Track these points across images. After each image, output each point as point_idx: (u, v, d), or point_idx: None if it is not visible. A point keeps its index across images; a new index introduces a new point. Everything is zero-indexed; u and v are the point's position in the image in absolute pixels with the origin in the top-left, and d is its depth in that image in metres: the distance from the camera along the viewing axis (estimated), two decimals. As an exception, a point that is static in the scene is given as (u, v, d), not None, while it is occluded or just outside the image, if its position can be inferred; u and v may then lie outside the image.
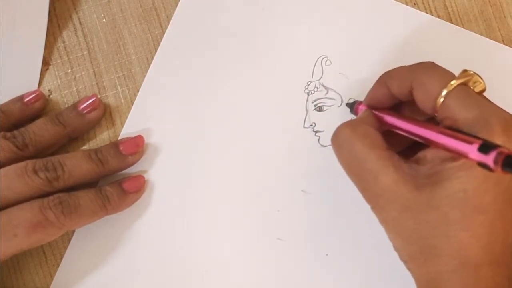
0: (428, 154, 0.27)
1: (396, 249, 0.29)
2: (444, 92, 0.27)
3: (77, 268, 0.35)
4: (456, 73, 0.28)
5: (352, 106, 0.34)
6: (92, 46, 0.37)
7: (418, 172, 0.27)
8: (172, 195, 0.36)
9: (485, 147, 0.23)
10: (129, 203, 0.35)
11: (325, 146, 0.36)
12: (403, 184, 0.27)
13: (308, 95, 0.36)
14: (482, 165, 0.23)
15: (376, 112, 0.31)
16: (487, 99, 0.29)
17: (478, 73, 0.28)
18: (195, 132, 0.36)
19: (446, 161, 0.26)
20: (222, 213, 0.35)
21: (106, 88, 0.37)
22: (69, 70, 0.37)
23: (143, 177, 0.35)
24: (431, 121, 0.29)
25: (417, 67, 0.30)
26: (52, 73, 0.37)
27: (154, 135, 0.36)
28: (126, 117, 0.36)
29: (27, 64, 0.37)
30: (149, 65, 0.37)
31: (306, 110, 0.36)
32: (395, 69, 0.31)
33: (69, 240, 0.35)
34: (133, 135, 0.36)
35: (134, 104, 0.36)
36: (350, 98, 0.36)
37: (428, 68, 0.29)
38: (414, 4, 0.37)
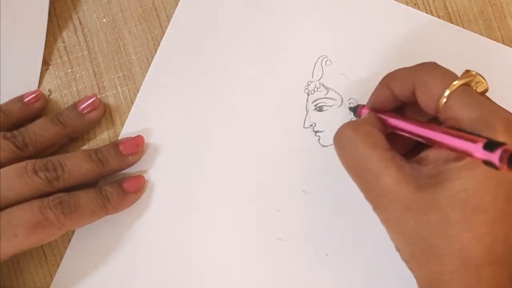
0: (430, 154, 0.27)
1: (398, 249, 0.29)
2: (447, 93, 0.27)
3: (77, 268, 0.35)
4: (457, 74, 0.28)
5: (355, 110, 0.34)
6: (92, 46, 0.37)
7: (420, 173, 0.27)
8: (172, 195, 0.36)
9: (490, 145, 0.23)
10: (129, 203, 0.35)
11: (325, 146, 0.36)
12: (405, 185, 0.27)
13: (308, 95, 0.36)
14: (488, 163, 0.23)
15: (379, 115, 0.31)
16: (489, 99, 0.29)
17: (480, 74, 0.28)
18: (195, 132, 0.36)
19: (449, 161, 0.26)
20: (222, 213, 0.35)
21: (106, 88, 0.37)
22: (69, 70, 0.37)
23: (143, 177, 0.35)
24: (434, 121, 0.29)
25: (419, 68, 0.29)
26: (52, 73, 0.37)
27: (154, 135, 0.36)
28: (126, 117, 0.36)
29: (27, 64, 0.37)
30: (149, 65, 0.37)
31: (306, 110, 0.36)
32: (397, 70, 0.31)
33: (69, 240, 0.35)
34: (133, 135, 0.36)
35: (134, 104, 0.36)
36: (350, 99, 0.36)
37: (430, 68, 0.29)
38: (414, 4, 0.37)
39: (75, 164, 0.33)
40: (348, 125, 0.30)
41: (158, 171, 0.36)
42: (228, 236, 0.35)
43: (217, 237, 0.35)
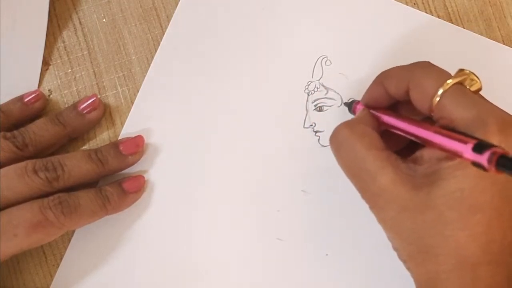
0: (425, 153, 0.28)
1: (395, 248, 0.29)
2: (440, 91, 0.27)
3: (77, 268, 0.35)
4: (455, 71, 0.28)
5: (350, 105, 0.34)
6: (92, 46, 0.37)
7: (415, 172, 0.27)
8: (172, 195, 0.36)
9: (480, 147, 0.23)
10: (129, 203, 0.35)
11: (325, 146, 0.36)
12: (401, 184, 0.27)
13: (308, 95, 0.36)
14: (477, 164, 0.23)
15: (373, 112, 0.31)
16: (483, 98, 0.29)
17: (475, 72, 0.28)
18: (195, 132, 0.36)
19: (443, 160, 0.26)
20: (222, 213, 0.35)
21: (106, 88, 0.37)
22: (69, 70, 0.37)
23: (143, 177, 0.35)
24: (428, 120, 0.29)
25: (414, 67, 0.30)
26: (52, 73, 0.37)
27: (154, 135, 0.36)
28: (126, 117, 0.36)
29: (27, 64, 0.37)
30: (149, 65, 0.37)
31: (306, 110, 0.36)
32: (391, 69, 0.31)
33: (69, 240, 0.35)
34: (133, 135, 0.36)
35: (134, 104, 0.36)
36: (350, 98, 0.36)
37: (424, 67, 0.29)
38: (414, 4, 0.37)
39: (75, 164, 0.33)
40: (343, 125, 0.30)
41: (158, 171, 0.36)
42: (228, 236, 0.35)
43: (217, 237, 0.35)
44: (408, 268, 0.28)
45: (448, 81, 0.27)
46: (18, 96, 0.36)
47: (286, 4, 0.37)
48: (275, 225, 0.35)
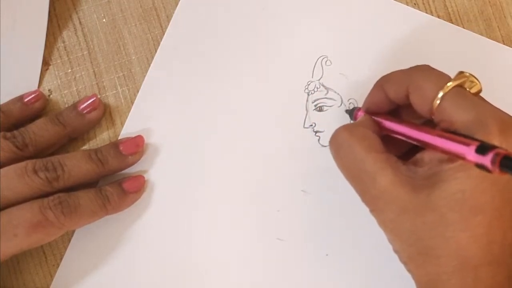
0: (425, 155, 0.28)
1: (395, 251, 0.29)
2: (440, 95, 0.27)
3: (77, 268, 0.35)
4: (455, 73, 0.28)
5: (352, 113, 0.34)
6: (92, 46, 0.37)
7: (416, 174, 0.27)
8: (172, 195, 0.36)
9: (483, 148, 0.23)
10: (129, 203, 0.35)
11: (325, 146, 0.36)
12: (401, 186, 0.27)
13: (308, 95, 0.36)
14: (480, 166, 0.23)
15: (375, 117, 0.31)
16: (483, 99, 0.29)
17: (475, 74, 0.28)
18: (195, 132, 0.36)
19: (444, 162, 0.26)
20: (222, 213, 0.35)
21: (106, 88, 0.37)
22: (69, 70, 0.37)
23: (143, 177, 0.35)
24: (429, 124, 0.29)
25: (413, 70, 0.30)
26: (52, 73, 0.37)
27: (154, 135, 0.36)
28: (126, 117, 0.36)
29: (27, 64, 0.37)
30: (149, 65, 0.37)
31: (306, 110, 0.36)
32: (391, 73, 0.31)
33: (69, 240, 0.35)
34: (133, 135, 0.36)
35: (134, 104, 0.36)
36: (350, 99, 0.36)
37: (424, 71, 0.29)
38: (414, 4, 0.37)
39: (75, 164, 0.33)
40: (343, 127, 0.30)
41: (158, 171, 0.36)
42: (228, 236, 0.35)
43: (217, 237, 0.35)
44: (409, 270, 0.28)
45: (448, 84, 0.27)
46: (18, 96, 0.36)
47: (286, 4, 0.37)
48: (275, 225, 0.35)
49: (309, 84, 0.36)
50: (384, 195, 0.27)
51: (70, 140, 0.36)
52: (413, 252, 0.27)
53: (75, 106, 0.35)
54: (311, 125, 0.36)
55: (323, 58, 0.36)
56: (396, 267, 0.29)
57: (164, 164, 0.36)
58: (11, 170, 0.31)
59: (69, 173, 0.32)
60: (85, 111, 0.35)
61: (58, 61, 0.37)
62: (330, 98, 0.36)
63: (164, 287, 0.35)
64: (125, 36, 0.37)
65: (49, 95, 0.37)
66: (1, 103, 0.35)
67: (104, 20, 0.37)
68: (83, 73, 0.37)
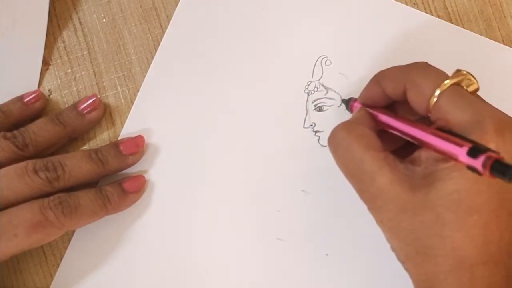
0: (422, 154, 0.28)
1: (393, 249, 0.29)
2: (437, 92, 0.27)
3: (77, 268, 0.35)
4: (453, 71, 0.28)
5: (347, 103, 0.34)
6: (92, 46, 0.37)
7: (413, 173, 0.27)
8: (172, 195, 0.36)
9: (474, 151, 0.23)
10: (129, 203, 0.35)
11: (325, 146, 0.36)
12: (399, 185, 0.27)
13: (308, 95, 0.36)
14: (471, 168, 0.23)
15: (370, 110, 0.31)
16: (480, 98, 0.29)
17: (475, 74, 0.28)
18: (195, 132, 0.36)
19: (440, 161, 0.26)
20: (222, 213, 0.35)
21: (106, 88, 0.37)
22: (69, 70, 0.37)
23: (143, 177, 0.35)
24: (425, 120, 0.29)
25: (411, 67, 0.30)
26: (52, 73, 0.37)
27: (154, 135, 0.36)
28: (126, 117, 0.36)
29: (27, 64, 0.37)
30: (149, 65, 0.37)
31: (306, 110, 0.36)
32: (388, 69, 0.31)
33: (69, 240, 0.35)
34: (133, 135, 0.36)
35: (134, 104, 0.36)
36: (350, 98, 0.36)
37: (422, 68, 0.29)
38: (414, 4, 0.37)
39: (75, 164, 0.33)
40: (341, 126, 0.30)
41: (158, 171, 0.36)
42: (228, 236, 0.35)
43: (217, 237, 0.35)
44: (406, 269, 0.28)
45: (445, 82, 0.27)
46: (18, 96, 0.36)
47: (286, 4, 0.37)
48: (275, 225, 0.35)
49: (309, 84, 0.36)
50: (383, 193, 0.27)
51: (70, 140, 0.36)
52: (410, 251, 0.27)
53: (75, 106, 0.35)
54: (311, 125, 0.36)
55: (323, 58, 0.36)
56: (396, 267, 0.29)
57: (164, 164, 0.36)
58: (11, 170, 0.31)
59: (69, 173, 0.32)
60: (85, 111, 0.35)
61: (58, 61, 0.37)
62: (330, 98, 0.36)
63: (164, 287, 0.35)
64: (125, 36, 0.37)
65: (49, 95, 0.37)
66: (1, 103, 0.35)
67: (104, 20, 0.37)
68: (83, 73, 0.37)
